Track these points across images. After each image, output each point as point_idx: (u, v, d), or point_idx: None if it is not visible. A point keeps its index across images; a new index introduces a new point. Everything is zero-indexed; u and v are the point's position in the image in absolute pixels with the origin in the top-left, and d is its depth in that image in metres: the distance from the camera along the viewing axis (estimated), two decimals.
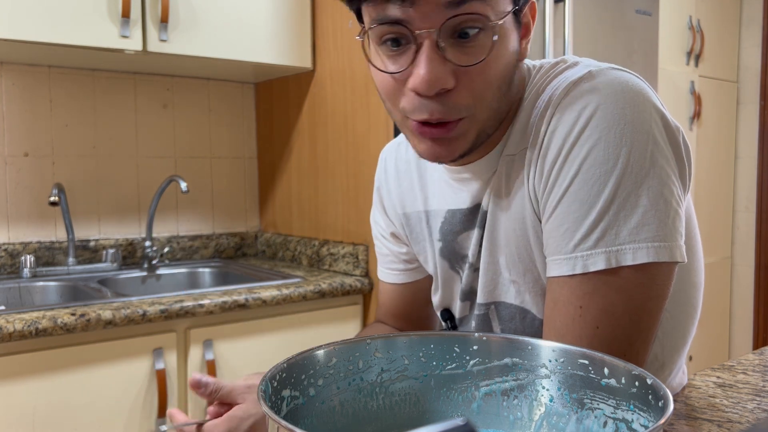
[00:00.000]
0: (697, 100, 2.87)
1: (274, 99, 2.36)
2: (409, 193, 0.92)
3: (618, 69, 0.72)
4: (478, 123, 0.71)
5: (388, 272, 1.01)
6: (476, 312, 0.85)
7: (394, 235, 0.98)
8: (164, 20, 1.80)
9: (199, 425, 0.78)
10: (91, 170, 2.13)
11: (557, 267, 0.68)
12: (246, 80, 2.41)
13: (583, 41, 2.00)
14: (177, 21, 1.84)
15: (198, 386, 0.78)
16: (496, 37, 0.66)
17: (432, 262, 0.91)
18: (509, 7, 0.68)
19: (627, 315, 0.65)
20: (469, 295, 0.87)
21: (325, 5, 2.08)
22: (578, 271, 0.66)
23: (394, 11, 0.64)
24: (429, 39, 0.64)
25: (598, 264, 0.65)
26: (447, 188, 0.85)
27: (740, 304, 3.24)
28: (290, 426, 0.39)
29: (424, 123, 0.69)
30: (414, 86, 0.66)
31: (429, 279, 0.98)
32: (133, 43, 1.78)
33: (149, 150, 2.24)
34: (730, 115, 3.18)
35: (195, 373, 0.80)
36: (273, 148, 2.38)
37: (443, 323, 0.94)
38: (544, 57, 1.90)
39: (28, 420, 1.44)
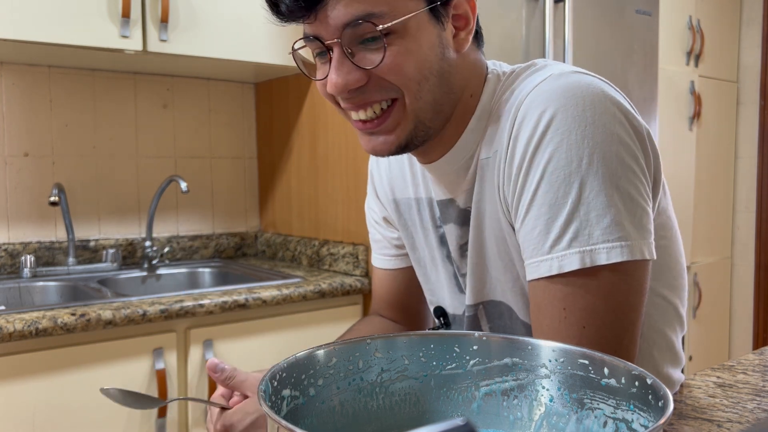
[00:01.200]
0: (697, 100, 2.87)
1: (274, 99, 2.36)
2: (399, 179, 0.94)
3: (582, 72, 0.73)
4: (412, 113, 0.74)
5: (382, 258, 1.03)
6: (466, 314, 0.86)
7: (386, 219, 1.00)
8: (164, 20, 1.80)
9: (223, 408, 0.82)
10: (91, 170, 2.13)
11: (535, 269, 0.69)
12: (246, 80, 2.41)
13: (583, 41, 2.00)
14: (177, 21, 1.84)
15: (214, 370, 0.81)
16: (392, 38, 0.71)
17: (425, 249, 0.92)
18: (419, 6, 0.71)
19: (610, 313, 0.67)
20: (460, 288, 0.88)
21: None
22: (554, 271, 0.67)
23: (308, 28, 0.73)
24: (337, 47, 0.72)
25: (573, 264, 0.66)
26: (429, 177, 0.88)
27: (740, 304, 3.24)
28: (290, 426, 0.39)
29: (357, 121, 0.76)
30: (329, 90, 0.73)
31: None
32: (133, 43, 1.78)
33: (149, 150, 2.24)
34: (730, 115, 3.18)
35: (214, 358, 0.82)
36: (273, 148, 2.38)
37: (436, 320, 0.94)
38: (544, 57, 1.90)
39: (28, 420, 1.44)
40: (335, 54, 0.72)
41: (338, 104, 0.78)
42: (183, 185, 2.00)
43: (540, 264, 0.69)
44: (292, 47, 0.77)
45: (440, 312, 0.93)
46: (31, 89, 2.02)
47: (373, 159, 1.01)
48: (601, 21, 2.07)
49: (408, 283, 1.02)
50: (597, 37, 2.06)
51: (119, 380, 1.54)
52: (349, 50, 0.72)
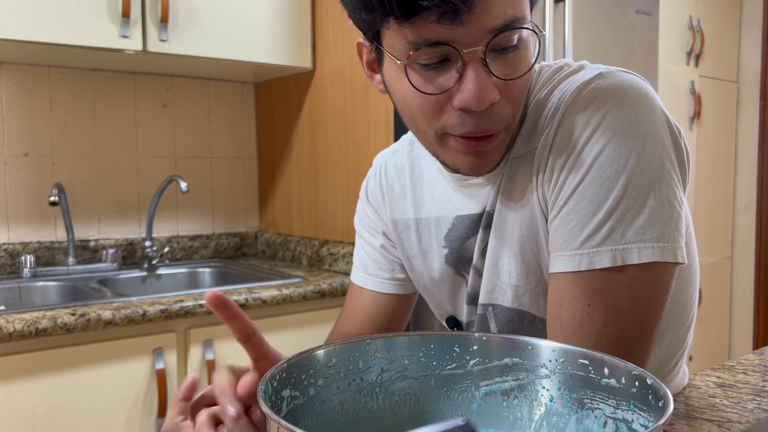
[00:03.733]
0: (697, 100, 2.87)
1: (274, 99, 2.36)
2: (399, 199, 0.92)
3: (625, 72, 0.73)
4: (510, 132, 0.72)
5: (379, 281, 0.96)
6: (477, 311, 0.85)
7: (386, 236, 0.96)
8: (164, 20, 1.80)
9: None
10: (91, 170, 2.13)
11: (563, 263, 0.69)
12: (246, 80, 2.41)
13: (583, 41, 2.00)
14: (177, 21, 1.84)
15: (221, 302, 0.59)
16: (537, 49, 0.68)
17: (430, 270, 0.90)
18: (530, 17, 0.69)
19: (633, 313, 0.66)
20: (475, 298, 0.87)
21: (325, 5, 2.08)
22: (583, 267, 0.67)
23: (441, 32, 0.63)
24: (476, 56, 0.64)
25: (604, 261, 0.66)
26: (455, 195, 0.84)
27: (740, 304, 3.24)
28: (290, 426, 0.39)
29: (468, 137, 0.69)
30: (465, 103, 0.65)
31: (416, 294, 0.98)
32: (133, 43, 1.78)
33: (149, 150, 2.24)
34: (730, 115, 3.18)
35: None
36: (273, 148, 2.38)
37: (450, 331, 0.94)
38: (543, 58, 1.89)
39: (28, 420, 1.44)
40: (474, 63, 0.64)
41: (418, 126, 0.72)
42: (183, 185, 2.00)
43: (570, 258, 0.68)
44: (408, 56, 0.66)
45: (453, 322, 0.92)
46: (31, 89, 2.02)
47: (379, 177, 0.96)
48: (601, 21, 2.07)
49: (402, 310, 0.98)
50: (597, 37, 2.06)
51: (119, 380, 1.55)
52: (486, 59, 0.65)
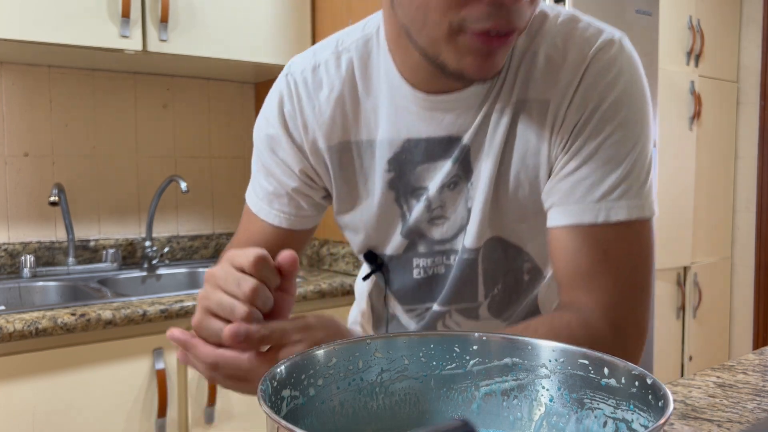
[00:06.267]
0: (697, 100, 2.87)
1: None
2: (335, 124, 0.84)
3: (625, 36, 0.79)
4: (517, 38, 0.72)
5: (277, 214, 0.91)
6: (464, 256, 0.84)
7: (304, 172, 0.88)
8: (164, 20, 1.80)
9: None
10: (91, 170, 2.13)
11: (579, 215, 0.74)
12: (246, 80, 2.41)
13: None
14: (177, 21, 1.84)
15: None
16: None
17: (362, 197, 0.85)
18: None
19: (642, 261, 0.75)
20: (414, 233, 0.85)
21: (325, 5, 2.08)
22: (601, 219, 0.73)
23: None
24: None
25: (621, 215, 0.73)
26: (409, 116, 0.80)
27: (740, 304, 3.24)
28: (290, 426, 0.39)
29: (487, 35, 0.66)
30: None
31: (313, 230, 0.95)
32: (133, 43, 1.78)
33: (149, 150, 2.24)
34: (730, 115, 3.18)
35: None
36: None
37: (368, 265, 0.91)
38: None
39: (28, 420, 1.44)
40: None
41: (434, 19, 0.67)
42: (183, 185, 2.00)
43: (586, 210, 0.74)
44: None
45: (370, 257, 0.90)
46: (31, 89, 2.02)
47: (289, 96, 0.86)
48: (601, 21, 2.07)
49: (297, 245, 0.94)
50: None
51: (119, 380, 1.55)
52: None
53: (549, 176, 0.78)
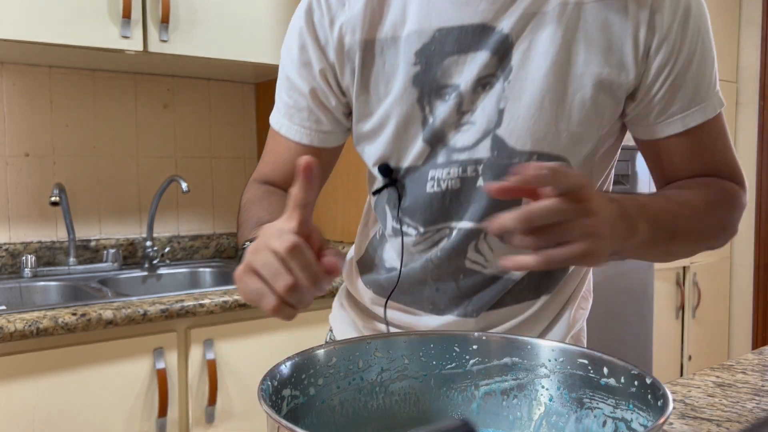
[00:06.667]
0: None
1: (274, 99, 2.36)
2: (370, 16, 0.80)
3: None
4: None
5: (297, 129, 0.89)
6: (516, 160, 0.77)
7: (324, 75, 0.85)
8: (165, 20, 1.80)
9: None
10: (92, 170, 2.13)
11: (701, 113, 0.80)
12: (246, 80, 2.41)
13: None
14: (177, 21, 1.85)
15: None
16: None
17: (384, 97, 0.81)
18: None
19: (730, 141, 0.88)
20: (437, 138, 0.79)
21: None
22: (717, 111, 0.82)
23: None
24: None
25: (717, 107, 0.82)
26: (442, 3, 0.76)
27: (740, 304, 3.24)
28: (290, 425, 0.39)
29: None
30: None
31: (338, 152, 0.93)
32: (134, 44, 1.79)
33: (150, 150, 2.24)
34: (730, 115, 3.18)
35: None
36: None
37: (381, 179, 0.85)
38: None
39: (28, 420, 1.44)
40: None
41: None
42: (183, 185, 2.00)
43: (706, 108, 0.81)
44: None
45: (385, 170, 0.84)
46: (31, 89, 2.02)
47: (317, 2, 0.84)
48: None
49: (330, 161, 0.93)
50: None
51: (119, 380, 1.55)
52: None
53: (633, 76, 0.77)
